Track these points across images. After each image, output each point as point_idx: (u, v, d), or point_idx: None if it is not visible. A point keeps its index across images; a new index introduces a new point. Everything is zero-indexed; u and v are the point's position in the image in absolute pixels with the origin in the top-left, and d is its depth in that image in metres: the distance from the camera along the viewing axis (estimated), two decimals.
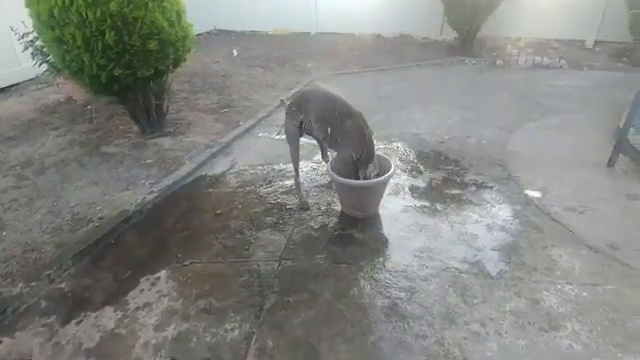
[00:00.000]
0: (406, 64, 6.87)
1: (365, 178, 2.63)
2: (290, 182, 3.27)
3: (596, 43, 7.46)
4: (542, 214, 2.83)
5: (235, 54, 7.47)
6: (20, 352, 1.95)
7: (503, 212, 2.86)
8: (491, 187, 3.17)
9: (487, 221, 2.75)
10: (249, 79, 6.09)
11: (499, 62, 6.93)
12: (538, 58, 6.89)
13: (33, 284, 2.31)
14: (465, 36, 7.37)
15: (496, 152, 3.70)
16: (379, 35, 8.61)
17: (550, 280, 2.25)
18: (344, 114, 2.63)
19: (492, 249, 2.49)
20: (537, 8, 7.50)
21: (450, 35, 7.74)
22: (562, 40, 7.65)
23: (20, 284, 2.31)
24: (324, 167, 3.43)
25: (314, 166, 3.57)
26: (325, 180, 3.31)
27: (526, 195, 3.05)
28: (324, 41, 8.44)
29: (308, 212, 2.91)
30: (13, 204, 3.02)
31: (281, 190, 3.20)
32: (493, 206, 2.92)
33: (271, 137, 4.17)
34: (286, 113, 2.96)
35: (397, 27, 8.42)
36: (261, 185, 3.29)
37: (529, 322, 2.00)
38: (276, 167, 3.55)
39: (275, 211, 2.94)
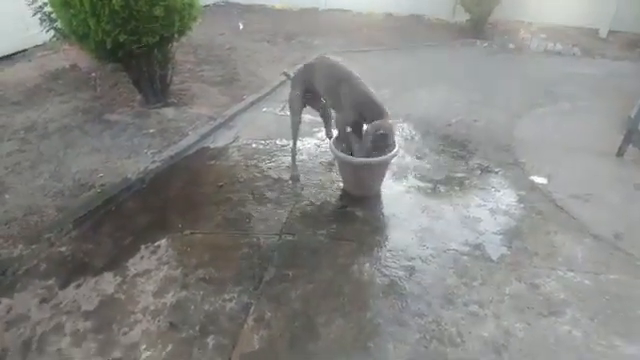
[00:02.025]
0: (416, 44, 6.71)
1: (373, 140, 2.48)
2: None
3: (610, 32, 7.26)
4: (547, 200, 2.80)
5: (241, 27, 7.31)
6: (18, 312, 1.96)
7: (507, 197, 2.83)
8: (496, 172, 3.13)
9: (491, 205, 2.73)
10: (255, 53, 5.97)
11: (511, 46, 6.77)
12: (551, 44, 6.73)
13: (33, 247, 2.32)
14: (477, 18, 7.17)
15: (503, 136, 3.64)
16: (389, 14, 8.37)
17: (551, 266, 2.24)
18: (344, 77, 2.58)
19: (494, 233, 2.47)
20: None
21: (462, 17, 7.52)
22: (576, 27, 7.44)
23: (20, 246, 2.32)
24: (327, 144, 3.39)
25: (317, 143, 3.52)
26: (328, 157, 3.27)
27: (532, 181, 3.01)
28: (332, 18, 8.23)
29: (310, 188, 2.88)
30: (16, 167, 3.01)
31: (283, 165, 3.16)
32: (497, 191, 2.89)
33: (275, 112, 4.11)
34: (292, 83, 2.92)
35: (408, 7, 8.18)
36: (263, 160, 3.25)
37: (528, 306, 2.00)
38: (279, 142, 3.50)
39: (277, 186, 2.92)
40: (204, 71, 5.09)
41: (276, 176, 3.03)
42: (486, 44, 6.81)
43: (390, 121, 2.51)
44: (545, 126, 3.93)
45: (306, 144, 3.48)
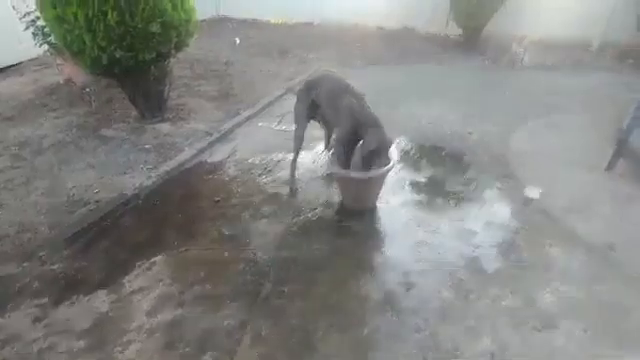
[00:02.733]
0: (409, 58, 6.81)
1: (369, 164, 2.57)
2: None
3: (602, 44, 7.39)
4: (541, 213, 2.82)
5: (237, 42, 7.39)
6: (11, 331, 1.93)
7: (502, 210, 2.85)
8: (491, 185, 3.15)
9: (486, 218, 2.74)
10: (251, 68, 6.02)
11: (504, 60, 6.89)
12: (542, 58, 6.86)
13: (25, 264, 2.30)
14: (470, 32, 7.31)
15: (497, 150, 3.68)
16: (382, 27, 8.51)
17: (547, 279, 2.25)
18: (344, 89, 2.65)
19: (490, 246, 2.48)
20: (544, 7, 7.42)
21: (455, 31, 7.66)
22: (568, 40, 7.58)
23: (13, 264, 2.30)
24: (325, 158, 3.42)
25: (315, 157, 3.54)
26: (325, 171, 3.28)
27: (526, 194, 3.03)
28: (326, 32, 8.35)
29: (307, 202, 2.89)
30: (9, 184, 2.99)
31: (280, 180, 3.17)
32: (493, 204, 2.91)
33: (271, 127, 4.13)
34: (297, 95, 2.97)
35: (401, 19, 8.31)
36: (260, 174, 3.26)
37: (524, 320, 2.00)
38: (275, 157, 3.52)
39: (273, 200, 2.92)
40: (201, 86, 5.12)
41: (273, 191, 3.03)
42: (479, 58, 6.92)
43: (386, 135, 2.56)
44: (538, 139, 3.98)
45: (304, 158, 3.48)
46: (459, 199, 2.97)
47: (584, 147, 3.79)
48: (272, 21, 9.10)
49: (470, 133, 4.01)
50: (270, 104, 4.67)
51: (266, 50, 6.96)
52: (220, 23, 9.11)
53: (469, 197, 2.99)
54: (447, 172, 3.34)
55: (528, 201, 2.96)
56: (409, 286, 2.19)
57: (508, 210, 2.85)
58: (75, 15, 3.00)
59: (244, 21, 9.16)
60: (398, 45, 7.54)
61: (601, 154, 3.44)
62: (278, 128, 4.08)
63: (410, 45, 7.58)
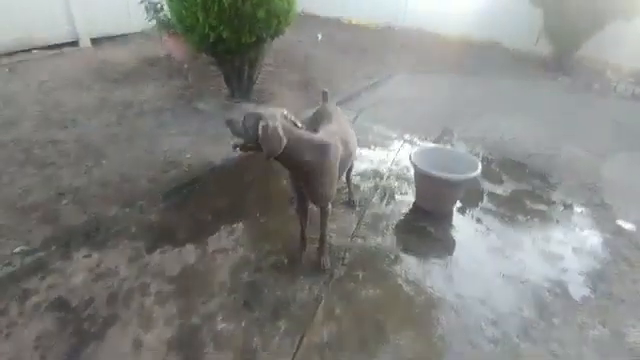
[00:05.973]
0: (491, 72, 6.55)
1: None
2: (365, 166, 3.28)
3: None
4: (635, 248, 2.59)
5: (319, 38, 7.56)
6: (107, 267, 2.13)
7: (592, 238, 2.65)
8: (580, 210, 2.95)
9: (574, 244, 2.57)
10: (329, 63, 6.13)
11: (595, 86, 6.40)
12: (639, 89, 6.28)
13: (126, 210, 2.52)
14: (562, 53, 6.88)
15: (587, 175, 3.42)
16: (465, 38, 8.25)
17: (638, 316, 2.06)
18: None
19: (578, 273, 2.32)
20: None
21: (545, 49, 7.24)
22: None
23: (115, 208, 2.53)
24: (398, 155, 3.41)
25: (391, 155, 3.52)
26: (399, 169, 3.26)
27: (619, 225, 2.80)
28: (408, 36, 8.26)
29: (380, 198, 2.90)
30: (114, 138, 3.31)
31: (355, 172, 3.19)
32: (582, 230, 2.72)
33: (349, 119, 4.17)
34: None
35: (487, 32, 8.01)
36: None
37: (612, 352, 1.86)
38: None
39: (348, 191, 2.95)
40: (282, 74, 5.31)
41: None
42: (568, 81, 6.49)
43: None
44: (633, 171, 3.65)
45: (378, 155, 3.50)
46: (544, 219, 2.81)
47: None
48: (353, 22, 9.20)
49: (556, 155, 3.77)
50: (349, 98, 4.72)
51: (346, 48, 7.05)
52: (302, 19, 9.31)
53: (555, 219, 2.82)
54: (531, 190, 3.17)
55: (621, 232, 2.73)
56: (486, 296, 2.11)
57: (598, 239, 2.65)
58: None
59: (326, 19, 9.34)
60: (481, 58, 7.29)
61: None
62: (354, 123, 4.12)
63: (494, 59, 7.30)
